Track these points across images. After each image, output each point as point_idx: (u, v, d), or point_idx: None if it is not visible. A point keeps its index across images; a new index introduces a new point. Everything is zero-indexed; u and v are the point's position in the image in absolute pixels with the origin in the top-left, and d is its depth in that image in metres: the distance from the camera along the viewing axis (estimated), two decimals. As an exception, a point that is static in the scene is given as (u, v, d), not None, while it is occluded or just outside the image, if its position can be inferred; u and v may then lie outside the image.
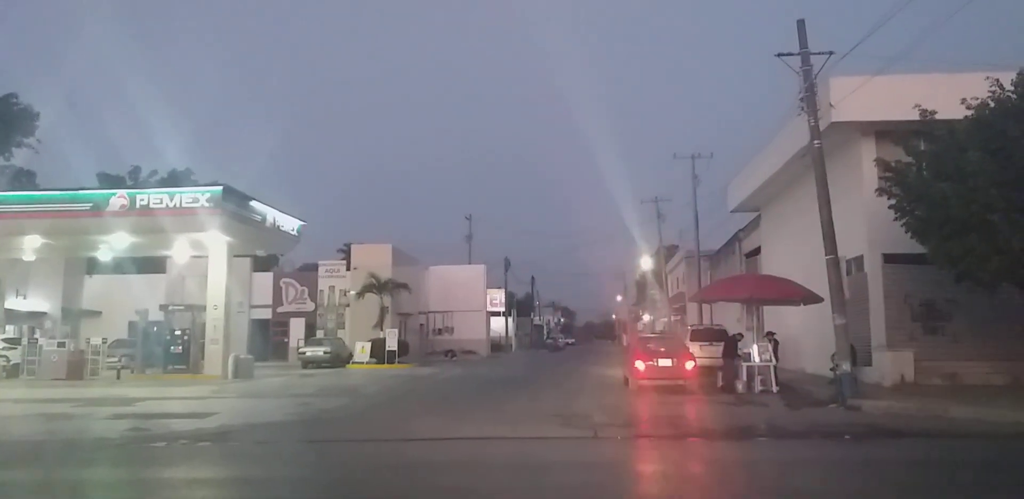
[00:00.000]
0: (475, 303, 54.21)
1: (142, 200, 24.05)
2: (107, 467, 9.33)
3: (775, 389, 17.73)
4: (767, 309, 23.29)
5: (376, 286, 37.92)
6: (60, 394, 18.97)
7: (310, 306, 43.79)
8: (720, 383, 19.06)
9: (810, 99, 16.70)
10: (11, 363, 26.45)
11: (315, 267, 46.15)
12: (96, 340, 26.76)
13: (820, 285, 17.44)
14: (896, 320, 18.68)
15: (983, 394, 15.09)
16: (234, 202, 24.63)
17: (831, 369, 16.04)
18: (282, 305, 44.10)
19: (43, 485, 8.29)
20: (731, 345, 19.38)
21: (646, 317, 75.63)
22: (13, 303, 30.05)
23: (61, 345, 25.40)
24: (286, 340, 43.06)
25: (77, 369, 24.91)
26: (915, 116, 15.84)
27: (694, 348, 21.12)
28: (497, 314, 62.67)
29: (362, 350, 34.99)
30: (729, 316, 32.08)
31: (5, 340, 27.99)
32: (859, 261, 19.90)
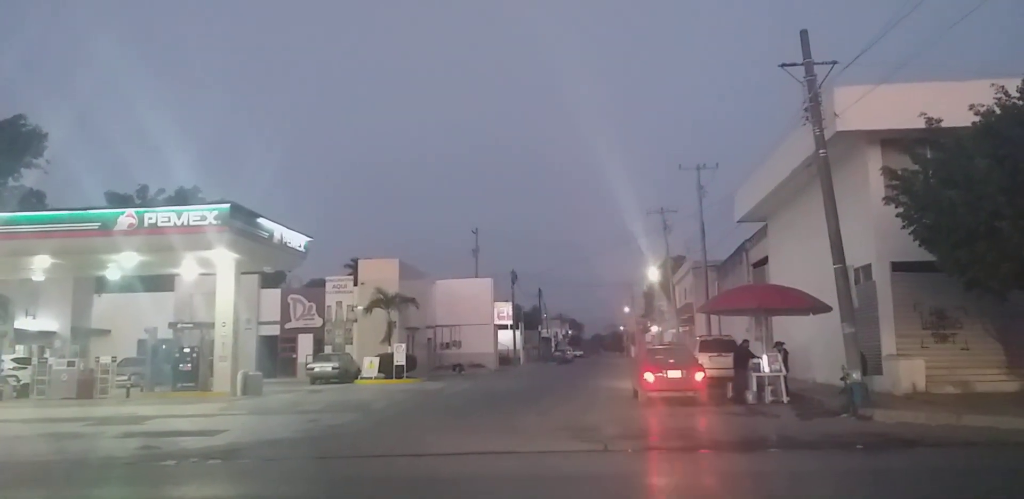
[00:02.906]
0: (482, 316, 54.16)
1: (150, 218, 24.17)
2: (118, 486, 9.32)
3: (785, 399, 17.63)
4: (776, 319, 23.21)
5: (383, 301, 37.92)
6: (70, 413, 18.99)
7: (318, 322, 43.78)
8: (730, 394, 18.98)
9: (814, 109, 16.73)
10: (21, 383, 26.49)
11: (322, 283, 46.21)
12: (105, 359, 26.79)
13: (829, 294, 17.38)
14: (906, 328, 18.58)
15: (995, 402, 14.97)
16: (241, 219, 24.73)
17: (841, 378, 15.95)
18: (290, 321, 44.10)
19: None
20: (741, 355, 19.32)
21: (654, 328, 75.40)
22: (23, 323, 30.15)
23: (71, 364, 25.47)
24: (294, 356, 43.03)
25: (87, 388, 24.95)
26: (921, 124, 15.85)
27: (703, 359, 21.03)
28: (504, 327, 62.59)
29: (370, 365, 34.96)
30: (738, 326, 31.98)
31: (15, 360, 28.05)
32: (867, 270, 19.83)
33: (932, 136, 15.77)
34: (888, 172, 16.54)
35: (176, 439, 13.27)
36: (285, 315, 44.02)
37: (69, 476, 9.93)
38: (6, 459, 11.58)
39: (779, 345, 19.60)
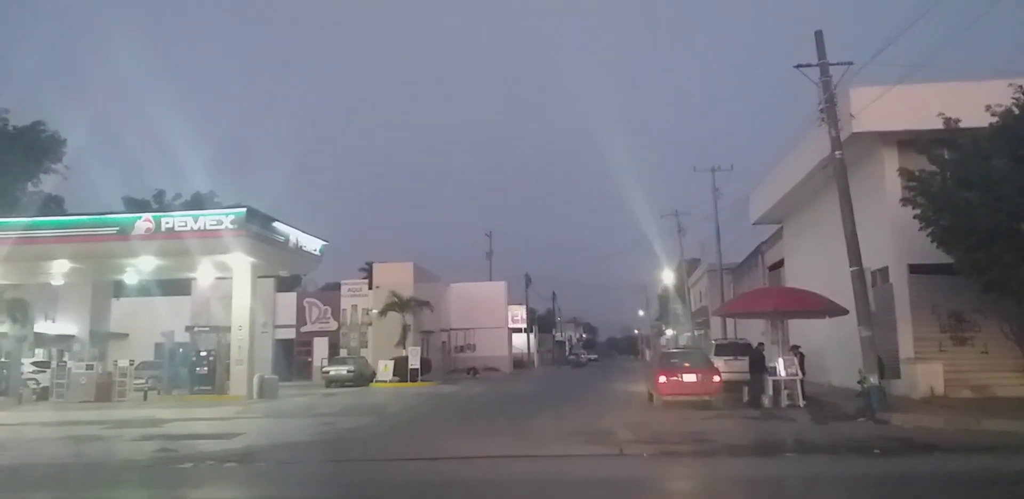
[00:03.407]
0: (496, 320, 54.13)
1: (167, 223, 24.39)
2: (136, 489, 9.39)
3: (802, 403, 17.50)
4: (792, 322, 23.06)
5: (398, 304, 38.02)
6: (89, 416, 19.16)
7: (333, 325, 43.97)
8: (746, 398, 18.87)
9: (830, 110, 16.64)
10: (40, 386, 26.78)
11: (338, 286, 46.43)
12: (123, 362, 27.02)
13: (845, 297, 17.25)
14: (924, 331, 18.40)
15: (1015, 406, 14.79)
16: (257, 223, 24.89)
17: (858, 382, 15.82)
18: (305, 325, 44.33)
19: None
20: (756, 359, 19.19)
21: (669, 332, 75.09)
22: (42, 327, 30.46)
23: (89, 368, 25.71)
24: (310, 359, 43.25)
25: (105, 391, 25.16)
26: (938, 125, 15.72)
27: (719, 363, 20.94)
28: (519, 330, 62.51)
29: (385, 368, 35.04)
30: (754, 330, 31.79)
31: (35, 363, 28.35)
32: (884, 272, 19.68)
33: (949, 137, 15.63)
34: (905, 173, 16.40)
35: (193, 442, 13.35)
36: (301, 318, 44.26)
37: (88, 478, 10.02)
38: (26, 461, 11.70)
39: (795, 348, 19.47)
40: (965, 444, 11.39)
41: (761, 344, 20.86)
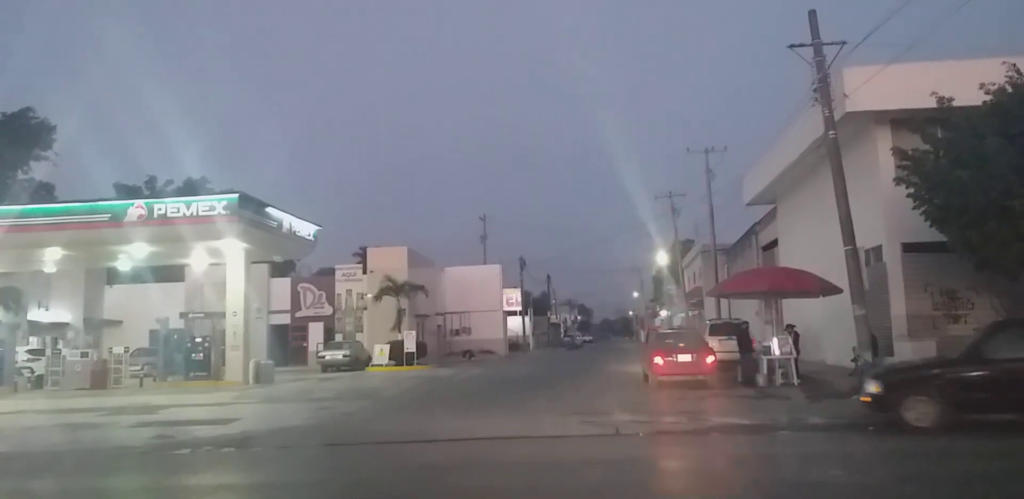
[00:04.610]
0: (491, 303, 54.17)
1: (159, 209, 24.25)
2: (133, 475, 9.42)
3: (796, 382, 17.61)
4: (786, 302, 23.14)
5: (393, 289, 38.02)
6: (84, 404, 19.16)
7: (328, 310, 43.95)
8: (739, 377, 18.98)
9: (824, 90, 16.56)
10: (35, 374, 26.76)
11: (332, 271, 46.35)
12: (118, 349, 26.99)
13: (839, 276, 17.30)
14: (917, 309, 18.50)
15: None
16: (250, 209, 24.77)
17: (852, 360, 15.92)
18: (300, 310, 44.29)
19: (70, 494, 8.40)
20: (743, 337, 19.29)
21: (663, 313, 75.46)
22: (36, 315, 30.40)
23: (84, 355, 25.67)
24: (305, 344, 43.23)
25: (100, 378, 25.15)
26: (931, 104, 15.69)
27: (713, 342, 21.02)
28: (514, 313, 62.62)
29: (381, 352, 35.10)
30: (748, 310, 31.95)
31: (29, 351, 28.30)
32: (878, 251, 19.73)
33: (943, 115, 15.61)
34: (898, 152, 16.40)
35: (190, 428, 13.38)
36: (295, 304, 44.22)
37: (84, 465, 10.04)
38: (22, 449, 11.71)
39: (790, 327, 19.56)
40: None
41: (746, 322, 20.89)
